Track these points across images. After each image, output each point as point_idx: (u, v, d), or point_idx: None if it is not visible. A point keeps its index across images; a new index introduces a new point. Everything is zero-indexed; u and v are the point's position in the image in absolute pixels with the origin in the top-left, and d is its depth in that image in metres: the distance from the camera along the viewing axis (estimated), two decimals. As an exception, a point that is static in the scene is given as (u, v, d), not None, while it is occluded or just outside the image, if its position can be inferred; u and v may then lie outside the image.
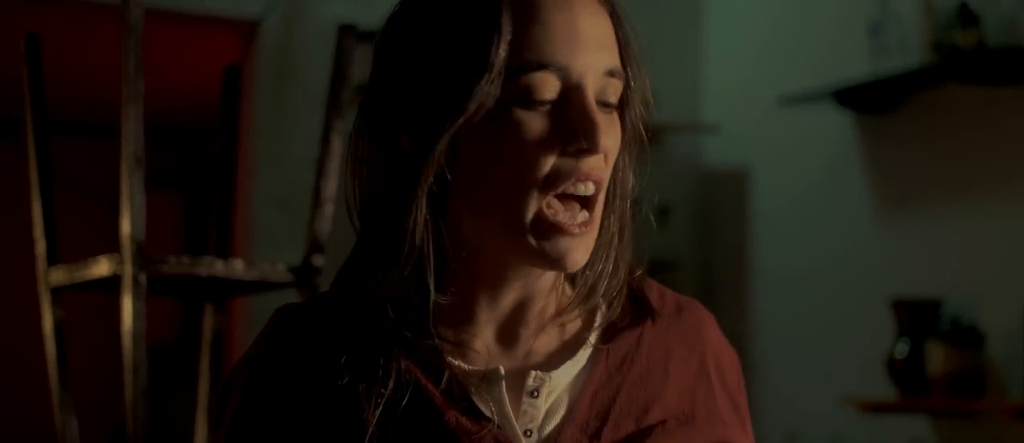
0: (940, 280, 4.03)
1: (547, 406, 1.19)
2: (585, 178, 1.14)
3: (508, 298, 1.20)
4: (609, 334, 1.24)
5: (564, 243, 1.14)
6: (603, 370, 1.22)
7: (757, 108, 4.83)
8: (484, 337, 1.21)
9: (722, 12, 5.10)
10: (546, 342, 1.22)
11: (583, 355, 1.22)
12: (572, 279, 1.24)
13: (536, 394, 1.19)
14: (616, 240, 1.21)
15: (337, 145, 2.22)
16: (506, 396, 1.17)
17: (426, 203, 1.15)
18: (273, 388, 1.19)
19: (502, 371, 1.18)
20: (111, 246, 2.04)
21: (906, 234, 4.26)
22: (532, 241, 1.14)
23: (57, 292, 2.17)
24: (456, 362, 1.18)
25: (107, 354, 5.73)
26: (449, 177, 1.15)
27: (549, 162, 1.13)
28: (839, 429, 4.35)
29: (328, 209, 2.21)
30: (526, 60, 1.12)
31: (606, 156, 1.16)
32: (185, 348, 7.39)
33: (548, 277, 1.21)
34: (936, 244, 4.13)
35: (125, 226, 1.99)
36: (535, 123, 1.13)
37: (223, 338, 2.38)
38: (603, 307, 1.24)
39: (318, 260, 2.18)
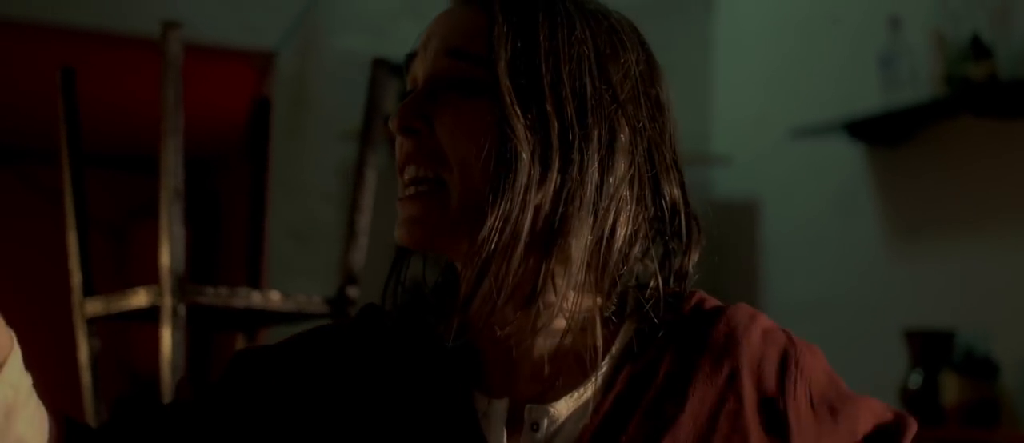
0: (952, 311, 4.05)
1: (547, 440, 1.15)
2: (401, 160, 1.17)
3: (515, 326, 1.16)
4: (626, 358, 1.18)
5: (399, 214, 1.17)
6: (613, 399, 1.15)
7: (768, 140, 4.85)
8: (494, 366, 1.19)
9: (733, 43, 5.13)
10: (555, 371, 1.17)
11: (591, 384, 1.17)
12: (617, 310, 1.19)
13: (536, 427, 1.15)
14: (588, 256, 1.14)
15: (371, 178, 2.23)
16: (504, 431, 1.15)
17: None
18: (272, 372, 1.22)
19: (506, 404, 1.17)
20: (113, 275, 2.05)
21: (918, 266, 4.28)
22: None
23: (92, 323, 2.19)
24: (462, 392, 1.17)
25: (120, 383, 5.73)
26: None
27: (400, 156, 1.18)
28: (852, 460, 4.35)
29: (362, 242, 2.22)
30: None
31: (433, 136, 1.15)
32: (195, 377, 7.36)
33: (560, 303, 1.15)
34: (948, 275, 4.15)
35: (164, 258, 2.01)
36: None
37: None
38: (624, 338, 1.20)
39: (352, 292, 2.19)
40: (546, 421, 1.15)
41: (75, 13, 4.43)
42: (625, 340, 1.20)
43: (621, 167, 1.14)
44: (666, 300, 1.19)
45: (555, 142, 1.11)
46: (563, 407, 1.16)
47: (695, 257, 1.21)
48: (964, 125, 4.06)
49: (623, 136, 1.14)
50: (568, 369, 1.18)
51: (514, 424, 1.16)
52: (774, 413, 1.17)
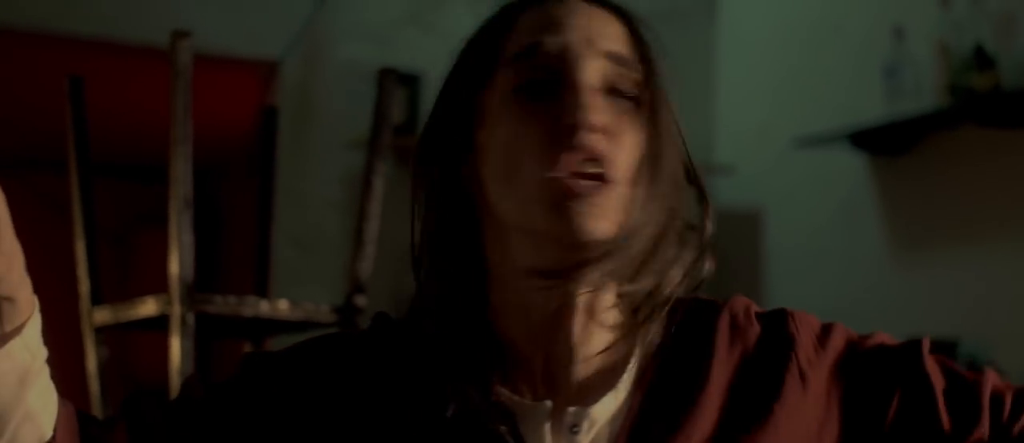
0: (955, 321, 4.05)
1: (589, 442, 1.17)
2: (581, 151, 1.14)
3: (547, 320, 1.19)
4: (655, 360, 1.21)
5: (574, 205, 1.13)
6: (644, 399, 1.19)
7: (771, 150, 4.85)
8: (531, 368, 1.20)
9: (736, 53, 5.13)
10: (591, 372, 1.20)
11: (624, 386, 1.19)
12: (620, 302, 1.22)
13: (576, 430, 1.17)
14: (657, 253, 1.19)
15: (379, 187, 2.24)
16: (548, 433, 1.17)
17: (459, 225, 1.20)
18: (288, 375, 1.22)
19: (548, 405, 1.17)
20: (116, 284, 2.06)
21: (921, 275, 4.28)
22: (544, 209, 1.13)
23: (100, 331, 2.20)
24: (505, 393, 1.18)
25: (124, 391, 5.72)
26: (474, 189, 1.20)
27: (547, 139, 1.14)
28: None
29: (370, 250, 2.23)
30: (522, 44, 1.18)
31: (613, 139, 1.16)
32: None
33: (603, 301, 1.19)
34: (951, 285, 4.15)
35: (173, 266, 2.01)
36: (536, 106, 1.16)
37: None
38: (642, 331, 1.22)
39: (360, 300, 2.20)
40: (586, 423, 1.17)
41: (81, 22, 4.43)
42: (645, 340, 1.22)
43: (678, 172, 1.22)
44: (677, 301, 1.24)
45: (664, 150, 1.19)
46: (601, 409, 1.18)
47: (710, 264, 1.23)
48: (968, 135, 4.07)
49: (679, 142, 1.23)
50: (602, 371, 1.20)
51: (558, 426, 1.18)
52: (785, 375, 1.22)
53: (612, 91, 1.18)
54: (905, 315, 4.23)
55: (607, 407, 1.18)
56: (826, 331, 1.26)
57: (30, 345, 1.04)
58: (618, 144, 1.15)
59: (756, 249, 4.96)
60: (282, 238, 4.50)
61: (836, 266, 4.61)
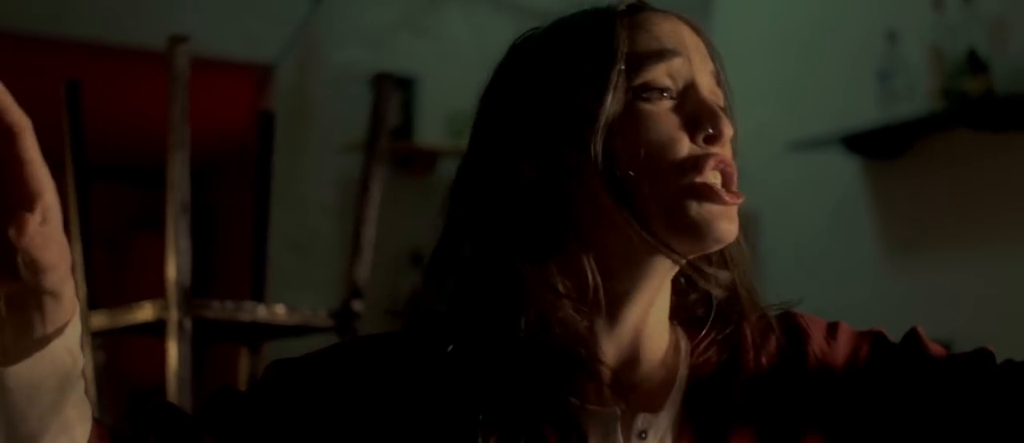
0: (948, 324, 4.06)
1: None
2: (718, 164, 1.17)
3: (627, 331, 1.21)
4: (701, 370, 1.24)
5: (717, 209, 1.16)
6: (694, 411, 1.21)
7: (766, 153, 4.86)
8: (602, 375, 1.19)
9: (730, 57, 5.07)
10: (650, 378, 1.22)
11: (678, 393, 1.22)
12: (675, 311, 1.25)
13: (644, 435, 1.18)
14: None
15: (376, 192, 2.24)
16: (621, 439, 1.17)
17: (546, 224, 1.18)
18: (325, 382, 1.19)
19: (618, 413, 1.18)
20: (110, 289, 2.06)
21: (914, 278, 4.30)
22: (687, 206, 1.16)
23: (97, 336, 2.20)
24: (575, 401, 1.17)
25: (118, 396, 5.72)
26: (568, 200, 1.18)
27: (684, 149, 1.17)
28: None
29: (367, 255, 2.23)
30: (642, 55, 1.18)
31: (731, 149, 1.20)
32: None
33: (662, 307, 1.22)
34: (944, 288, 4.16)
35: (171, 271, 2.02)
36: (662, 114, 1.18)
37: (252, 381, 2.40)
38: (684, 339, 1.25)
39: (357, 305, 2.20)
40: (652, 430, 1.18)
41: (76, 26, 4.44)
42: (685, 344, 1.26)
43: None
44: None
45: None
46: (665, 416, 1.20)
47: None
48: (961, 138, 4.08)
49: None
50: (661, 377, 1.23)
51: (625, 432, 1.18)
52: (806, 369, 1.26)
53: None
54: (898, 317, 4.22)
55: (669, 414, 1.20)
56: (833, 327, 1.31)
57: (72, 349, 0.98)
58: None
59: (751, 252, 4.95)
60: (276, 241, 4.52)
61: (830, 268, 4.62)
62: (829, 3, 4.78)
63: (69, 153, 2.27)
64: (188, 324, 2.00)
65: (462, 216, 1.22)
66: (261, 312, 2.10)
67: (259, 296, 2.41)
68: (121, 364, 5.63)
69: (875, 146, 4.35)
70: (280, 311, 2.12)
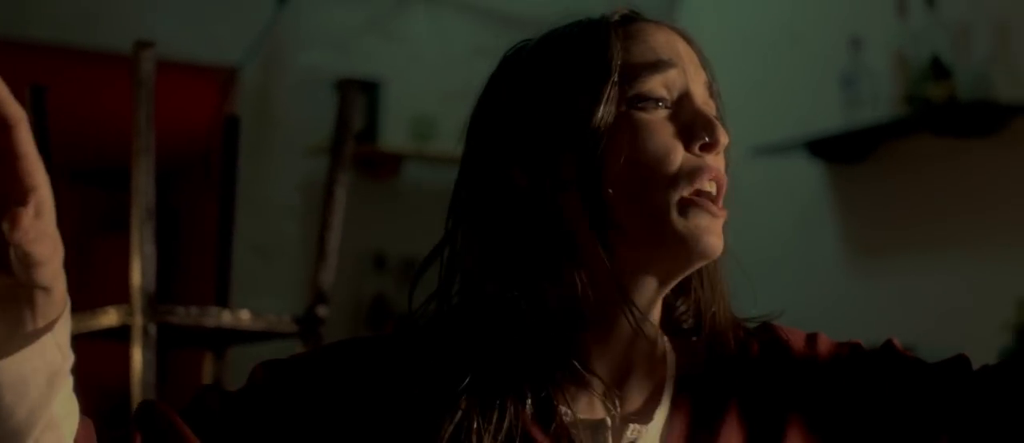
0: (911, 329, 4.08)
1: None
2: (712, 174, 1.19)
3: (618, 344, 1.21)
4: (687, 380, 1.25)
5: (705, 221, 1.18)
6: (681, 420, 1.22)
7: (730, 157, 4.87)
8: (593, 384, 1.20)
9: (694, 63, 5.15)
10: (638, 388, 1.23)
11: (666, 403, 1.23)
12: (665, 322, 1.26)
13: None
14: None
15: (341, 197, 2.24)
16: None
17: (543, 234, 1.19)
18: (313, 383, 1.18)
19: (608, 422, 1.19)
20: (75, 292, 2.04)
21: (878, 283, 4.32)
22: (676, 220, 1.17)
23: (61, 341, 2.18)
24: (565, 409, 1.17)
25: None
26: (560, 214, 1.19)
27: (678, 159, 1.18)
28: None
29: (332, 261, 2.22)
30: (637, 66, 1.19)
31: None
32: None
33: (652, 319, 1.22)
34: (907, 293, 4.19)
35: (135, 277, 2.01)
36: (658, 123, 1.19)
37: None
38: (671, 350, 1.26)
39: (322, 311, 2.19)
40: (642, 439, 1.20)
41: (41, 29, 4.41)
42: (672, 355, 1.27)
43: None
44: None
45: None
46: (655, 426, 1.21)
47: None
48: (924, 144, 4.11)
49: None
50: (650, 388, 1.24)
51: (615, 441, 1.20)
52: (789, 380, 1.27)
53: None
54: (863, 321, 4.26)
55: (657, 424, 1.21)
56: (812, 337, 1.33)
57: (61, 345, 0.97)
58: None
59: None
60: (240, 245, 4.50)
61: (794, 272, 4.64)
62: (794, 9, 4.80)
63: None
64: (153, 330, 1.99)
65: (455, 227, 1.23)
66: (226, 318, 2.09)
67: (223, 300, 2.40)
68: (85, 369, 5.61)
69: (839, 151, 4.37)
70: (245, 317, 2.11)
